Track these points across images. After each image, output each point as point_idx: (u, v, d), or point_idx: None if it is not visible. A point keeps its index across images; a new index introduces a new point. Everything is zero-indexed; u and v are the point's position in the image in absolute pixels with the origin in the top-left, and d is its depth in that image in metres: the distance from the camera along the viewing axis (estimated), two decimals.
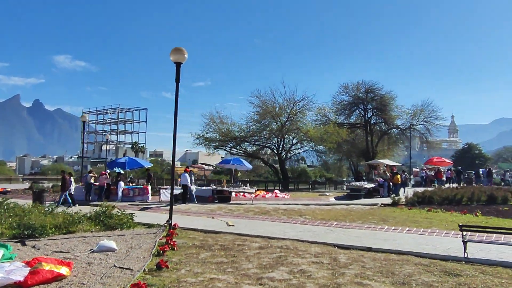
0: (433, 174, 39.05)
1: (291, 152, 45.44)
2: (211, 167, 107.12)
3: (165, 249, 9.55)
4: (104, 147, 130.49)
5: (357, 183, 28.48)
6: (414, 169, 43.74)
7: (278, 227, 14.30)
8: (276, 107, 41.18)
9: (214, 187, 26.76)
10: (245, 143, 43.14)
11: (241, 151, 44.69)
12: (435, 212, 19.50)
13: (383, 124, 49.22)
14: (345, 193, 28.96)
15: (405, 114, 48.34)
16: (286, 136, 41.85)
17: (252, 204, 23.19)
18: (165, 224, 12.65)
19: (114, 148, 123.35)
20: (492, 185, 35.24)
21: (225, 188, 25.94)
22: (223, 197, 24.77)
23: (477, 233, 10.59)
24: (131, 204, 22.52)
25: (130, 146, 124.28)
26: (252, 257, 9.20)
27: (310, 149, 44.91)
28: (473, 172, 44.21)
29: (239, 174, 41.24)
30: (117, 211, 14.03)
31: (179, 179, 26.14)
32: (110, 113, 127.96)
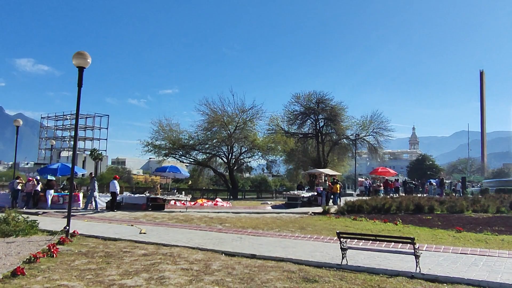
0: (378, 184, 39.75)
1: (242, 161, 45.34)
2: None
3: (39, 256, 9.28)
4: (62, 154, 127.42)
5: (295, 192, 28.69)
6: (359, 179, 44.44)
7: (188, 235, 14.18)
8: (225, 115, 41.13)
9: (148, 194, 26.39)
10: (195, 151, 42.81)
11: (191, 159, 44.38)
12: (359, 220, 19.77)
13: (334, 134, 49.85)
14: (284, 202, 29.10)
15: (355, 124, 49.21)
16: (235, 144, 41.81)
17: (185, 212, 23.02)
18: (62, 231, 12.32)
19: None
20: (443, 195, 35.94)
21: (159, 196, 25.62)
22: (157, 205, 24.44)
23: (362, 241, 10.74)
24: (57, 211, 21.96)
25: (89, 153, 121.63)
26: (125, 264, 9.05)
27: (261, 158, 45.01)
28: (413, 182, 45.24)
29: (188, 182, 40.90)
30: (19, 218, 13.60)
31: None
32: (69, 118, 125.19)
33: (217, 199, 30.79)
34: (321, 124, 49.74)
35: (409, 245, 8.92)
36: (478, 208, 23.42)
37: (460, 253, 11.52)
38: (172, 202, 27.49)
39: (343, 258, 9.44)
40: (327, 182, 29.24)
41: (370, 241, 10.85)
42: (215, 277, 7.96)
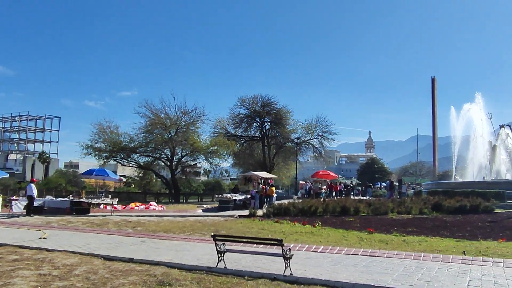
0: (320, 187, 40.12)
1: (185, 164, 44.81)
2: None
3: None
4: (10, 157, 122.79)
5: (227, 195, 28.53)
6: (300, 182, 44.77)
7: (90, 239, 13.74)
8: (167, 118, 40.57)
9: (71, 198, 25.61)
10: (136, 154, 41.98)
11: (132, 162, 43.53)
12: (281, 223, 19.74)
13: (279, 137, 50.02)
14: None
15: (300, 128, 49.62)
16: (178, 147, 41.29)
17: (110, 216, 22.45)
18: None
19: (22, 157, 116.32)
20: (393, 197, 36.34)
21: (83, 200, 24.88)
22: (82, 209, 23.73)
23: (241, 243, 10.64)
24: None
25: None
26: None
27: (204, 161, 44.64)
28: (350, 185, 46.05)
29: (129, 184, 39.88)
30: None
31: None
32: (18, 120, 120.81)
33: (151, 203, 30.29)
34: (267, 127, 49.91)
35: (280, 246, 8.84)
36: (402, 210, 23.92)
37: (352, 254, 11.65)
38: (102, 206, 26.86)
39: (219, 261, 9.28)
40: (260, 185, 29.22)
41: (255, 244, 10.73)
42: (67, 282, 7.66)
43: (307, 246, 12.80)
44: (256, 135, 50.56)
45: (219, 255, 9.33)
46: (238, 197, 27.93)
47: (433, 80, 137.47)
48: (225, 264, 9.23)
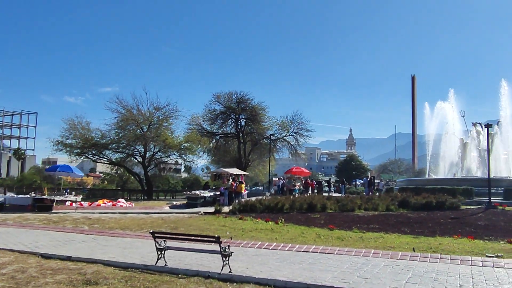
0: (293, 183, 40.08)
1: (159, 161, 44.29)
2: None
3: None
4: None
5: (196, 192, 28.25)
6: (274, 179, 44.69)
7: (39, 237, 13.39)
8: (139, 114, 40.02)
9: (33, 195, 25.05)
10: (107, 150, 41.34)
11: (104, 159, 42.91)
12: (244, 220, 19.51)
13: (255, 134, 49.71)
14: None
15: (275, 125, 49.47)
16: (150, 144, 40.75)
17: (73, 213, 22.04)
18: None
19: None
20: (372, 193, 36.25)
21: (45, 197, 24.36)
22: (44, 206, 23.22)
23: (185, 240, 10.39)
24: None
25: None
26: None
27: (178, 157, 44.17)
28: (321, 181, 46.12)
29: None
30: None
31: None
32: None
33: (120, 199, 29.83)
34: (242, 123, 49.63)
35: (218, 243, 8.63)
36: (369, 207, 23.91)
37: (303, 251, 11.53)
38: (68, 203, 26.36)
39: (159, 258, 9.06)
40: (230, 182, 28.98)
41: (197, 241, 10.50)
42: None
43: (259, 243, 12.64)
44: (231, 131, 50.23)
45: (159, 252, 9.10)
46: (207, 194, 27.65)
47: (412, 78, 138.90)
48: (166, 262, 9.00)
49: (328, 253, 11.26)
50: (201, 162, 52.61)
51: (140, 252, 10.82)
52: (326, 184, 45.43)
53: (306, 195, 32.40)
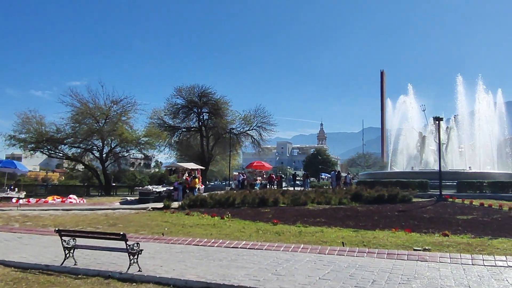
0: (255, 178, 39.84)
1: (118, 156, 43.18)
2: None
3: None
4: None
5: (149, 187, 27.62)
6: (234, 173, 44.33)
7: None
8: (95, 107, 38.91)
9: None
10: (63, 145, 40.07)
11: (60, 154, 41.64)
12: (191, 215, 19.11)
13: (218, 128, 49.05)
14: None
15: (239, 119, 49.04)
16: (107, 138, 39.64)
17: (13, 210, 21.16)
18: None
19: None
20: (340, 187, 36.06)
21: None
22: None
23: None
24: None
25: None
26: None
27: (137, 152, 43.20)
28: (282, 176, 46.15)
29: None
30: None
31: None
32: None
33: (70, 196, 28.88)
34: (205, 117, 48.98)
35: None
36: (322, 200, 23.83)
37: (232, 247, 11.20)
38: (14, 200, 25.42)
39: (66, 258, 8.55)
40: (184, 176, 28.45)
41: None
42: None
43: (190, 239, 12.26)
44: (194, 126, 49.51)
45: (66, 251, 8.59)
46: (160, 188, 27.02)
47: (381, 73, 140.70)
48: (75, 261, 8.51)
49: (256, 248, 10.95)
50: (163, 156, 51.55)
51: (56, 251, 10.22)
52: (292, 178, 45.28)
53: (265, 189, 32.20)
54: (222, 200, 22.63)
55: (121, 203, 25.52)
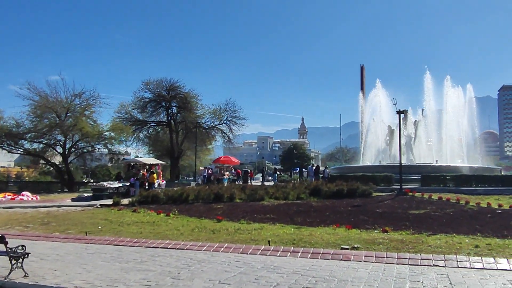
0: (222, 172, 39.17)
1: (83, 150, 41.93)
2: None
3: None
4: None
5: (104, 183, 26.67)
6: (200, 168, 43.56)
7: None
8: (56, 101, 37.62)
9: None
10: (23, 140, 38.73)
11: (20, 149, 40.34)
12: (138, 212, 18.37)
13: (187, 122, 48.13)
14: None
15: (208, 113, 48.26)
16: (69, 133, 38.34)
17: None
18: None
19: None
20: (317, 181, 35.42)
21: None
22: None
23: None
24: None
25: None
26: None
27: (102, 147, 42.02)
28: (248, 170, 45.63)
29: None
30: None
31: None
32: None
33: (24, 192, 27.84)
34: (174, 112, 48.06)
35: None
36: (280, 196, 23.23)
37: (154, 247, 10.55)
38: None
39: None
40: (141, 172, 27.60)
41: None
42: None
43: (112, 238, 11.76)
44: (163, 120, 48.56)
45: None
46: (115, 185, 26.10)
47: (361, 67, 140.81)
48: None
49: (178, 248, 10.39)
50: (133, 151, 50.37)
51: None
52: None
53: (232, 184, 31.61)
54: (175, 196, 21.88)
55: (73, 200, 24.65)
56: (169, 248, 10.33)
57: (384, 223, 14.26)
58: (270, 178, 48.02)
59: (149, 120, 48.06)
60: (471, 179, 29.17)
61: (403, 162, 38.73)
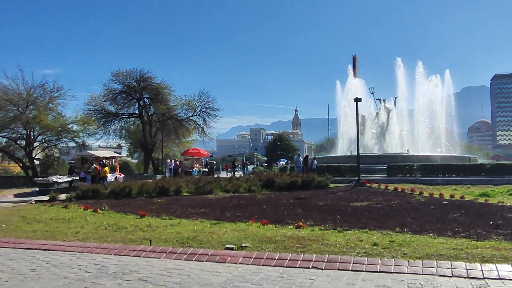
0: (191, 165, 38.28)
1: (49, 144, 40.77)
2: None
3: None
4: None
5: (53, 178, 25.66)
6: (168, 160, 42.50)
7: None
8: (15, 93, 36.41)
9: None
10: None
11: None
12: (67, 208, 17.29)
13: (159, 114, 46.99)
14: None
15: (182, 104, 47.19)
16: (31, 127, 37.12)
17: None
18: None
19: None
20: (306, 172, 34.46)
21: None
22: None
23: None
24: None
25: None
26: None
27: (70, 140, 40.85)
28: (214, 162, 44.79)
29: None
30: None
31: None
32: None
33: None
34: (147, 103, 46.95)
35: None
36: (231, 188, 22.33)
37: (27, 248, 9.51)
38: None
39: None
40: (94, 166, 26.57)
41: None
42: None
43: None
44: (135, 112, 47.44)
45: None
46: (62, 179, 25.09)
47: (354, 58, 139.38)
48: None
49: (54, 249, 9.35)
50: (103, 144, 49.28)
51: None
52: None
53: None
54: (117, 191, 20.90)
55: (16, 196, 23.63)
56: (44, 250, 9.34)
57: (314, 216, 13.41)
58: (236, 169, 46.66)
59: (121, 112, 46.90)
60: (437, 169, 28.27)
61: (375, 152, 38.05)
